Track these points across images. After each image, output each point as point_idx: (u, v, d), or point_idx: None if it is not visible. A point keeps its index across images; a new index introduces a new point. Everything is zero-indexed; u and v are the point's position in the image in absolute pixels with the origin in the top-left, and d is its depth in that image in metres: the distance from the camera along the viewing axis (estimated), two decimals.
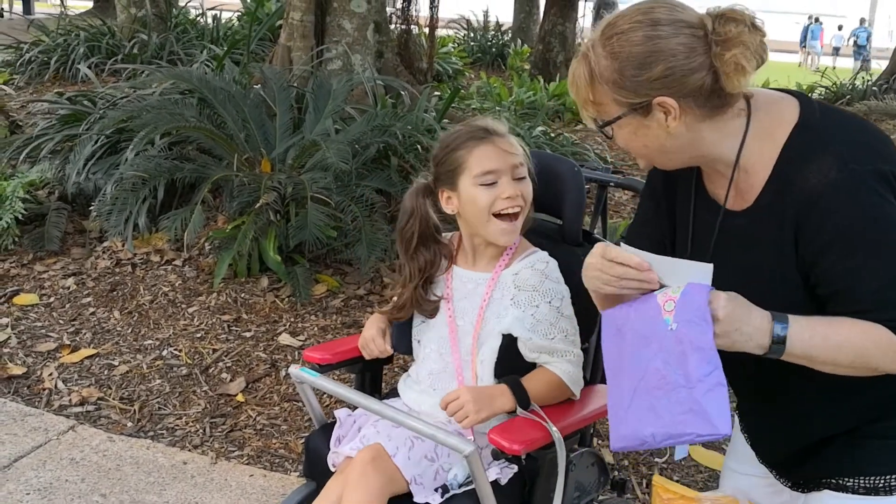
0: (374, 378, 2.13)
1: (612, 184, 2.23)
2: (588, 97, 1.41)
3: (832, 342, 1.35)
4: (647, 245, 1.67)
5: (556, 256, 1.93)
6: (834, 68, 11.59)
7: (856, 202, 1.31)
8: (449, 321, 1.90)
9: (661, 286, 1.40)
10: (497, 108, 6.09)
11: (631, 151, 1.48)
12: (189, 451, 2.93)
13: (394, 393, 2.04)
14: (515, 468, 1.79)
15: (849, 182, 1.31)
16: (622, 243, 1.45)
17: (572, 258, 1.97)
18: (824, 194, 1.32)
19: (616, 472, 2.13)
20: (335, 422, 1.96)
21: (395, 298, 2.05)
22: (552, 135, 5.69)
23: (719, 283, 1.49)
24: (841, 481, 1.50)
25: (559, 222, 2.06)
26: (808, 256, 1.37)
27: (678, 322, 1.34)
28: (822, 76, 10.57)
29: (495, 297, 1.87)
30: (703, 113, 1.37)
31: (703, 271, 1.37)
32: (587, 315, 1.90)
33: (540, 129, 5.68)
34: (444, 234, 1.99)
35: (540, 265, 1.87)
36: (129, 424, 3.07)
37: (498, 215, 1.82)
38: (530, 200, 1.86)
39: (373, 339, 1.99)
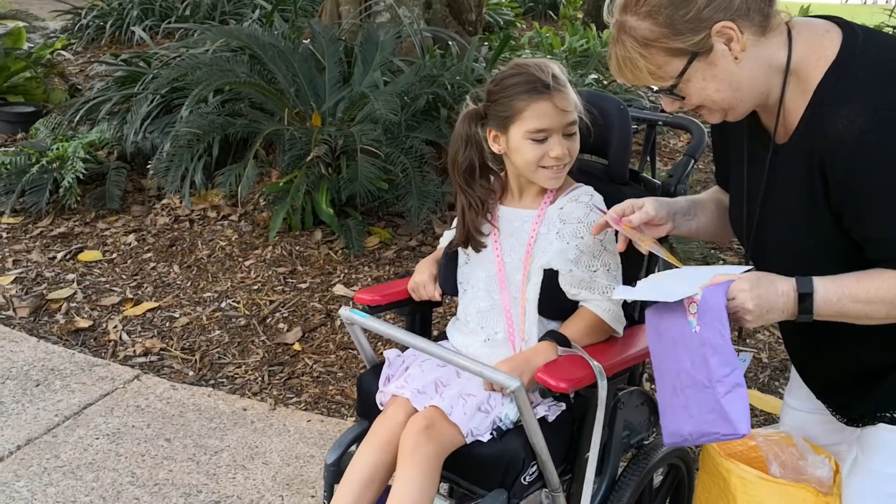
0: (424, 320, 2.15)
1: (660, 122, 2.19)
2: (646, 69, 1.39)
3: (862, 299, 1.35)
4: (719, 170, 1.68)
5: (603, 194, 1.91)
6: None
7: (882, 151, 1.28)
8: (497, 259, 1.90)
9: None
10: (549, 56, 6.01)
11: (706, 104, 1.43)
12: (248, 398, 3.02)
13: (443, 336, 2.06)
14: (563, 406, 1.80)
15: (876, 130, 1.28)
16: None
17: (619, 196, 1.95)
18: (849, 142, 1.30)
19: None
20: (385, 362, 1.99)
21: (450, 231, 2.07)
22: (605, 82, 5.60)
23: (766, 222, 1.48)
24: (895, 415, 1.49)
25: (605, 162, 2.04)
26: (837, 204, 1.36)
27: (701, 324, 1.38)
28: (890, 14, 10.12)
29: (542, 233, 1.86)
30: (755, 30, 1.34)
31: (737, 271, 1.42)
32: (633, 255, 1.90)
33: (592, 76, 5.59)
34: None
35: (585, 197, 1.86)
36: (191, 373, 3.16)
37: (543, 167, 1.83)
38: (576, 154, 1.86)
39: (423, 284, 2.02)
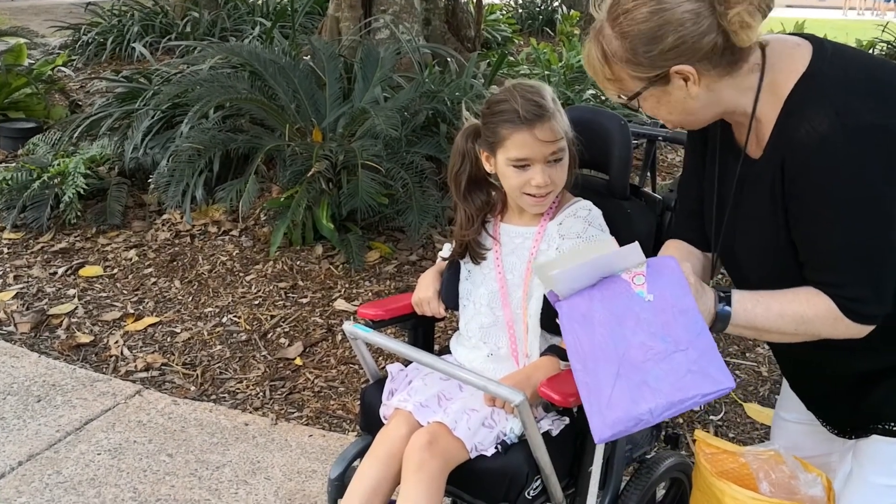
0: (427, 334, 2.16)
1: (660, 138, 2.21)
2: (606, 75, 1.43)
3: (774, 311, 1.40)
4: (692, 196, 1.69)
5: (603, 209, 1.93)
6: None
7: (836, 160, 1.31)
8: (498, 276, 1.92)
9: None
10: (546, 72, 6.05)
11: (658, 118, 1.51)
12: (250, 413, 3.02)
13: (446, 351, 2.07)
14: (567, 420, 1.81)
15: (836, 138, 1.30)
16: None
17: (619, 211, 1.98)
18: (809, 147, 1.33)
19: (669, 428, 2.13)
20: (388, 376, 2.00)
21: (449, 245, 2.09)
22: (602, 98, 5.63)
23: (735, 230, 1.51)
24: (888, 426, 1.51)
25: (605, 177, 2.05)
26: (787, 197, 1.40)
27: (654, 292, 1.37)
28: (883, 30, 10.17)
29: (542, 250, 1.88)
30: (720, 72, 1.37)
31: (634, 252, 1.40)
32: None
33: (590, 92, 5.63)
34: None
35: (582, 212, 1.88)
36: (193, 388, 3.16)
37: (527, 193, 1.85)
38: (562, 181, 1.87)
39: (428, 301, 2.03)
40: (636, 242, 1.40)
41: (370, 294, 3.71)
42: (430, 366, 1.76)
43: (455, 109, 4.29)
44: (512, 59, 7.06)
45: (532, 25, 11.98)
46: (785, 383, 1.85)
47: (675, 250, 1.72)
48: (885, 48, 9.77)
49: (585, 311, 1.42)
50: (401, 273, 3.87)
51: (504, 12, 11.71)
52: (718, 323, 1.42)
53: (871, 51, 9.83)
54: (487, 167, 1.91)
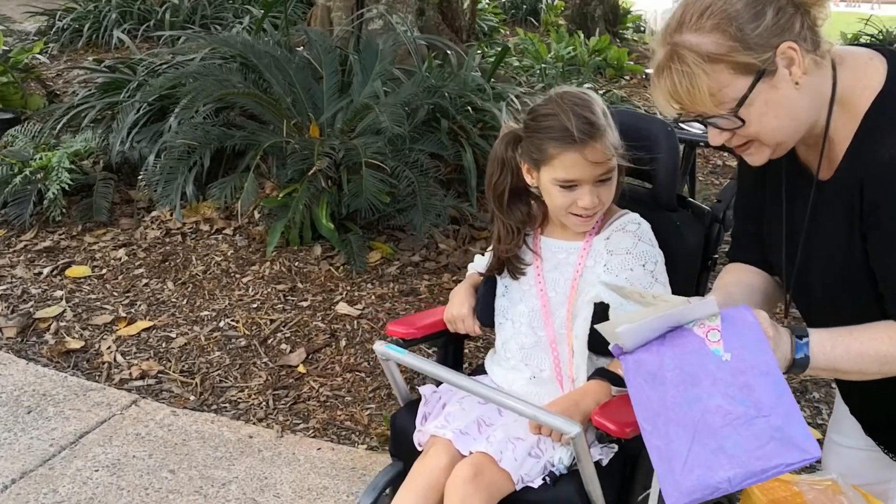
0: (457, 352, 2.05)
1: (700, 143, 2.12)
2: (707, 88, 1.29)
3: (854, 351, 1.32)
4: (749, 217, 1.59)
5: (650, 221, 1.83)
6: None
7: None
8: (540, 293, 1.80)
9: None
10: (542, 64, 5.93)
11: (761, 133, 1.34)
12: (254, 424, 2.88)
13: (480, 370, 1.96)
14: (616, 448, 1.71)
15: None
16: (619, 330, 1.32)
17: (667, 224, 1.87)
18: (889, 171, 1.25)
19: None
20: (419, 399, 1.89)
21: (480, 256, 1.98)
22: (601, 91, 5.54)
23: (808, 257, 1.42)
24: None
25: (648, 186, 1.95)
26: (864, 229, 1.31)
27: (731, 350, 1.26)
28: (866, 23, 10.14)
29: (588, 266, 1.77)
30: (813, 58, 1.28)
31: (708, 304, 1.29)
32: (683, 284, 1.82)
33: (587, 86, 5.52)
34: None
35: (632, 226, 1.77)
36: (192, 398, 3.02)
37: (573, 213, 1.75)
38: (610, 199, 1.77)
39: (462, 319, 1.91)
40: (712, 298, 1.29)
41: (373, 297, 3.57)
42: (475, 392, 1.65)
43: (457, 104, 4.16)
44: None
45: (516, 15, 11.85)
46: (839, 406, 1.76)
47: (738, 274, 1.62)
48: (869, 42, 9.76)
49: (655, 370, 1.30)
50: (403, 275, 3.75)
51: (489, 1, 11.57)
52: (796, 368, 1.32)
53: (854, 44, 9.80)
54: (529, 179, 1.79)
